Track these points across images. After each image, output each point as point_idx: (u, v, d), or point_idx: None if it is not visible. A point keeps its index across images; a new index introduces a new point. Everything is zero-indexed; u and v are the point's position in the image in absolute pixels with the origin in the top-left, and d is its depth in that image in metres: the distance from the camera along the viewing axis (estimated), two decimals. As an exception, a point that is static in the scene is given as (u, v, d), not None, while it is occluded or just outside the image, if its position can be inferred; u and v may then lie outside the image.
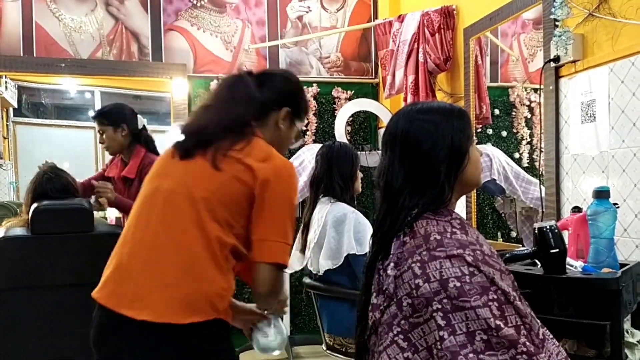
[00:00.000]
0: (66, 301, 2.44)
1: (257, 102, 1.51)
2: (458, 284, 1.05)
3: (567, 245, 1.70)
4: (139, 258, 1.38)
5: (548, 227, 1.63)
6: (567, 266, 1.69)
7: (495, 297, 1.05)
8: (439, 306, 1.05)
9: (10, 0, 3.57)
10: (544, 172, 2.40)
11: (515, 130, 3.05)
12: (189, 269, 1.34)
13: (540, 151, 2.44)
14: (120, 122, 2.84)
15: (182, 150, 1.47)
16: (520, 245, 2.83)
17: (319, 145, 2.82)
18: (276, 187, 1.40)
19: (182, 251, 1.35)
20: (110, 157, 3.06)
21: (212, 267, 1.36)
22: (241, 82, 1.53)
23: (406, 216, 1.17)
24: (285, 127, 1.58)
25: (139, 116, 2.93)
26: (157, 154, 2.94)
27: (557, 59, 2.24)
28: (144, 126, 2.94)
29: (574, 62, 2.20)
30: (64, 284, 2.43)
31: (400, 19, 3.40)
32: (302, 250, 2.61)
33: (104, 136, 2.87)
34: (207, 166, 1.41)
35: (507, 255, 1.72)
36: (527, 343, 1.02)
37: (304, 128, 1.75)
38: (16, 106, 5.31)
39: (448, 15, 3.15)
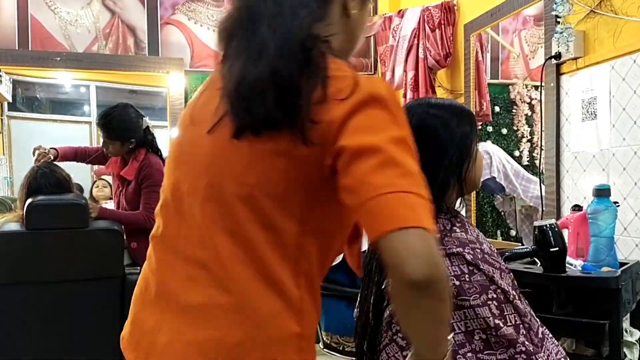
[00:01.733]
0: (61, 297, 2.42)
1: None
2: (457, 283, 1.05)
3: (567, 244, 1.69)
4: None
5: (548, 225, 1.62)
6: (566, 265, 1.68)
7: (494, 296, 1.05)
8: None
9: (6, -8, 3.53)
10: (544, 170, 2.39)
11: (515, 128, 3.04)
12: None
13: (541, 149, 2.43)
14: (128, 137, 2.79)
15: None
16: (520, 244, 2.82)
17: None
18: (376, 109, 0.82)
19: None
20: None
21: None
22: None
23: None
24: (357, 10, 1.01)
25: (144, 119, 2.87)
26: (158, 151, 2.93)
27: (558, 55, 2.22)
28: (147, 127, 2.89)
29: (575, 59, 2.19)
30: (59, 280, 2.41)
31: (400, 14, 3.38)
32: None
33: (109, 147, 2.82)
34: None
35: (507, 253, 1.71)
36: (526, 342, 1.02)
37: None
38: (11, 100, 5.27)
39: (448, 10, 3.13)
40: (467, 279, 1.05)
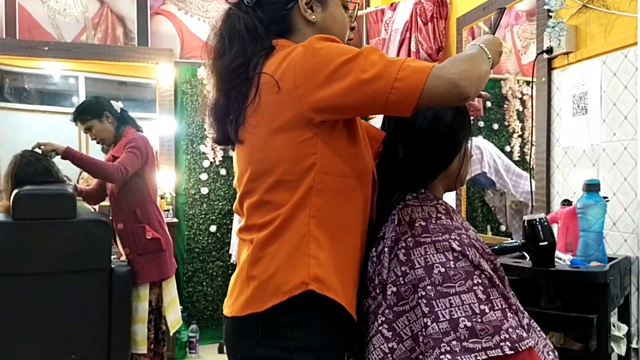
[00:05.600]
0: (48, 289, 2.40)
1: (257, 29, 1.13)
2: (442, 270, 1.05)
3: (556, 238, 1.68)
4: None
5: (537, 219, 1.61)
6: (555, 259, 1.68)
7: (479, 281, 1.04)
8: (423, 293, 1.04)
9: (-7, -20, 3.48)
10: (534, 165, 2.39)
11: (507, 123, 3.03)
12: None
13: (532, 144, 2.43)
14: (102, 111, 2.83)
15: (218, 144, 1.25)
16: (510, 239, 2.82)
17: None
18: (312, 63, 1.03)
19: None
20: (99, 148, 3.01)
21: None
22: (228, 24, 1.16)
23: (401, 189, 1.19)
24: (320, 14, 1.17)
25: (112, 102, 2.92)
26: (141, 132, 2.93)
27: (550, 50, 2.22)
28: (121, 109, 2.93)
29: (566, 53, 2.18)
30: (46, 271, 2.39)
31: (393, 7, 3.36)
32: None
33: (93, 131, 2.84)
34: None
35: (496, 247, 1.70)
36: (511, 329, 1.01)
37: None
38: (-2, 91, 5.22)
39: (441, 4, 3.12)
40: (452, 266, 1.05)
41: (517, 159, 2.95)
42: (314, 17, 1.15)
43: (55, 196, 2.40)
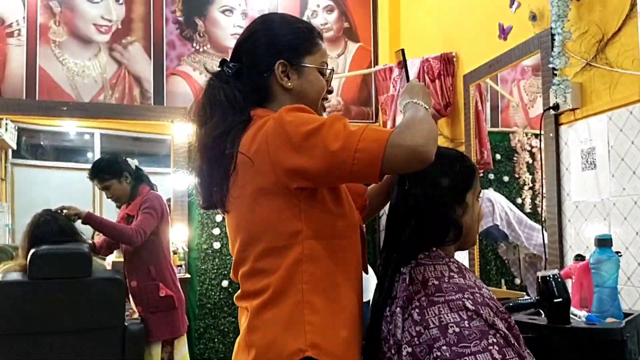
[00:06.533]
0: (62, 347, 2.40)
1: (236, 99, 1.17)
2: (457, 329, 1.05)
3: (570, 294, 1.68)
4: None
5: (551, 275, 1.61)
6: (571, 315, 1.66)
7: (494, 340, 1.04)
8: (439, 353, 1.04)
9: (16, 44, 3.62)
10: (546, 219, 2.40)
11: (517, 175, 3.05)
12: None
13: (542, 198, 2.44)
14: (121, 171, 2.91)
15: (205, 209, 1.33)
16: (524, 293, 2.79)
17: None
18: (275, 136, 1.08)
19: None
20: (114, 205, 3.07)
21: None
22: (209, 94, 1.20)
23: (411, 253, 1.18)
24: (295, 80, 1.21)
25: (128, 160, 3.01)
26: (156, 190, 2.99)
27: (556, 106, 2.26)
28: (136, 166, 3.01)
29: (573, 110, 2.22)
30: (61, 330, 2.39)
31: (400, 65, 3.44)
32: None
33: (110, 190, 2.90)
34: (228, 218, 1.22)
35: (511, 304, 1.70)
36: None
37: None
38: (15, 148, 5.34)
39: (448, 62, 3.20)
40: (467, 325, 1.05)
41: (528, 211, 2.95)
42: (290, 84, 1.20)
43: (71, 255, 2.44)
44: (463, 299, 1.08)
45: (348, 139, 1.03)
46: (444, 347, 1.04)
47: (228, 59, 1.24)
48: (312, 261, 1.10)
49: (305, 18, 4.08)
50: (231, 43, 3.94)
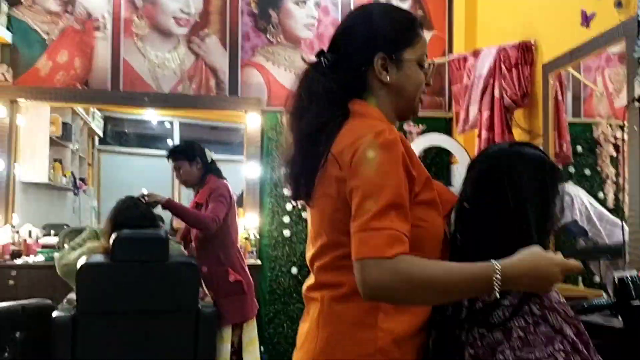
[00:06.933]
0: (140, 327, 2.53)
1: (334, 91, 1.14)
2: (522, 334, 1.03)
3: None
4: None
5: (629, 276, 1.54)
6: (652, 321, 1.58)
7: (561, 347, 1.02)
8: (502, 357, 1.02)
9: (102, 38, 3.82)
10: (628, 217, 2.28)
11: (599, 169, 2.92)
12: None
13: (623, 194, 2.32)
14: (194, 156, 3.03)
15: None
16: (603, 292, 2.68)
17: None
18: (358, 163, 1.04)
19: None
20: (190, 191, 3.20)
21: None
22: (307, 85, 1.18)
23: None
24: (394, 74, 1.15)
25: (206, 150, 3.12)
26: (224, 179, 3.11)
27: (641, 98, 2.14)
28: (212, 159, 3.12)
29: (660, 101, 2.09)
30: (140, 310, 2.52)
31: (475, 54, 3.36)
32: None
33: (180, 171, 3.04)
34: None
35: (585, 305, 1.64)
36: None
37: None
38: (102, 135, 5.65)
39: (526, 50, 3.09)
40: (532, 330, 1.03)
41: (611, 206, 2.81)
42: (388, 78, 1.15)
43: (150, 240, 2.56)
44: (529, 304, 1.05)
45: (379, 217, 0.99)
46: (507, 351, 1.02)
47: (298, 52, 1.24)
48: None
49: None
50: (304, 34, 3.99)
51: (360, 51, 1.15)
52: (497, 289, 0.96)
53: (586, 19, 2.58)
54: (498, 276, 0.96)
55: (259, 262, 3.83)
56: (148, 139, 6.26)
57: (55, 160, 4.50)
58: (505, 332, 1.04)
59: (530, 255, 1.00)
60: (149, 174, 5.59)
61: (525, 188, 1.13)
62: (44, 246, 3.66)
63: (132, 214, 2.69)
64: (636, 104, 2.18)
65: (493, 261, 0.97)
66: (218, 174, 3.11)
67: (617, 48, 2.52)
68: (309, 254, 1.20)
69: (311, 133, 1.13)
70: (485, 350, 1.05)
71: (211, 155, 3.12)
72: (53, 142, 4.36)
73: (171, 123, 5.70)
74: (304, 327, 1.18)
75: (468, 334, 1.08)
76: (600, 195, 2.88)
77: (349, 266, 1.06)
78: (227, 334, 2.90)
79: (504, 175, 1.15)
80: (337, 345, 1.09)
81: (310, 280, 1.19)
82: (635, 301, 1.53)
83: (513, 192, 1.12)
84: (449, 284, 0.98)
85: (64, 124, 4.47)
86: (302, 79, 1.19)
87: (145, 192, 2.90)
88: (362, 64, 1.15)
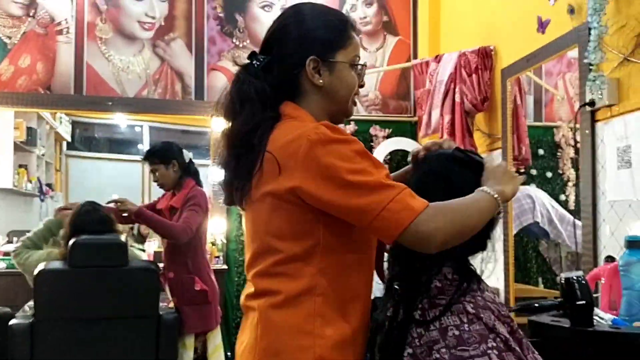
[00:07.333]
0: (98, 334, 2.51)
1: (266, 93, 1.13)
2: (457, 333, 1.05)
3: (594, 297, 1.63)
4: None
5: (575, 277, 1.58)
6: (596, 318, 1.62)
7: (494, 344, 1.04)
8: (438, 355, 1.04)
9: (65, 42, 3.78)
10: (581, 218, 2.33)
11: (560, 171, 2.96)
12: None
13: (576, 197, 2.38)
14: (170, 159, 2.98)
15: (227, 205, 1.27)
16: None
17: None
18: (315, 159, 1.03)
19: None
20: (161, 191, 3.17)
21: None
22: (238, 87, 1.16)
23: (429, 281, 1.12)
24: (327, 77, 1.15)
25: (184, 151, 3.06)
26: (201, 186, 3.05)
27: (592, 102, 2.19)
28: (190, 159, 3.07)
29: (609, 106, 2.15)
30: (98, 317, 2.50)
31: (437, 59, 3.41)
32: None
33: (157, 174, 2.99)
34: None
35: (535, 305, 1.67)
36: None
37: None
38: (70, 140, 5.58)
39: (485, 55, 3.14)
40: (467, 329, 1.05)
41: (572, 208, 2.86)
42: (321, 81, 1.14)
43: (107, 245, 2.54)
44: (464, 302, 1.08)
45: (382, 193, 1.01)
46: (443, 350, 1.04)
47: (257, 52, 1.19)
48: (328, 276, 1.08)
49: (344, 12, 4.07)
50: (270, 38, 4.00)
51: (292, 54, 1.14)
52: (499, 203, 1.10)
53: (542, 25, 2.63)
54: (487, 189, 1.11)
55: (225, 267, 3.81)
56: (118, 143, 6.21)
57: (20, 166, 4.44)
58: (441, 331, 1.05)
59: (488, 172, 1.15)
60: (118, 179, 5.54)
61: (463, 191, 1.16)
62: (5, 254, 3.60)
63: (91, 218, 2.66)
64: (587, 108, 2.24)
65: (478, 189, 1.11)
66: (196, 177, 3.06)
67: (576, 53, 2.58)
68: (246, 262, 1.18)
69: (243, 135, 1.11)
70: (423, 350, 1.06)
71: (189, 156, 3.06)
72: (17, 147, 4.31)
73: (141, 127, 5.66)
74: (243, 338, 1.15)
75: (407, 334, 1.10)
76: (562, 197, 2.92)
77: (285, 273, 1.07)
78: (190, 341, 2.88)
79: (444, 178, 1.18)
80: (276, 356, 1.07)
81: (248, 288, 1.17)
82: (580, 301, 1.56)
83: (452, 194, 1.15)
84: (469, 206, 1.08)
85: (29, 129, 4.41)
86: (235, 81, 1.18)
87: (116, 197, 2.85)
88: (294, 66, 1.14)
